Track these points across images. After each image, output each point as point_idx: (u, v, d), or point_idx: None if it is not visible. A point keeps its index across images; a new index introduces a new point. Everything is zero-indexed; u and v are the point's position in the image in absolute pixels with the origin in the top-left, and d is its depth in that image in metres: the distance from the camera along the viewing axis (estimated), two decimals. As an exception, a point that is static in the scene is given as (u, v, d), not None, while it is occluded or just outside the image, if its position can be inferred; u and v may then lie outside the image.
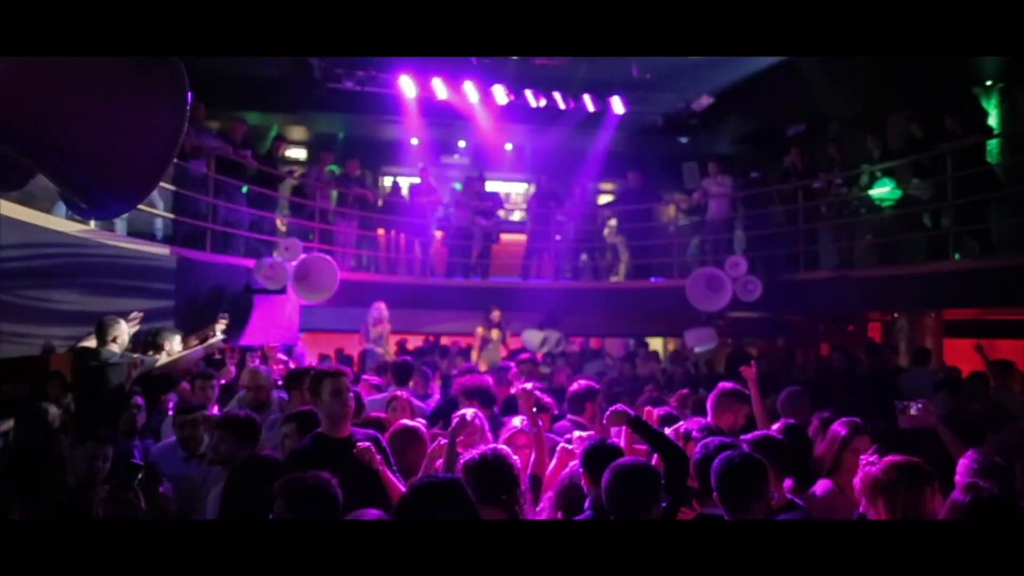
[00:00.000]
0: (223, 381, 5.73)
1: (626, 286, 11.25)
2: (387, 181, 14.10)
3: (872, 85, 9.63)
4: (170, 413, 4.85)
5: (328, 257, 8.55)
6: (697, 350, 9.75)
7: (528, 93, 11.50)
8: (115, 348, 4.93)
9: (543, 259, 11.95)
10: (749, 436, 3.49)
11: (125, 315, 5.26)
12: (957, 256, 7.46)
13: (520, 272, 11.91)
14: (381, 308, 8.90)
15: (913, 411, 3.73)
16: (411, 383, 6.00)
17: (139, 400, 4.33)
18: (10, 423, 4.68)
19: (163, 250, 7.25)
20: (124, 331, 5.06)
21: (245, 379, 4.92)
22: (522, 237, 12.41)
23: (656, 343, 13.11)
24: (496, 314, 9.92)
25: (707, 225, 10.50)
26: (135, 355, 5.13)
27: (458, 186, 11.92)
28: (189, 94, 2.41)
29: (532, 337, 10.24)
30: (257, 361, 6.26)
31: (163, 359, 5.28)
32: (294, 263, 7.99)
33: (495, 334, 9.97)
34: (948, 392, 5.25)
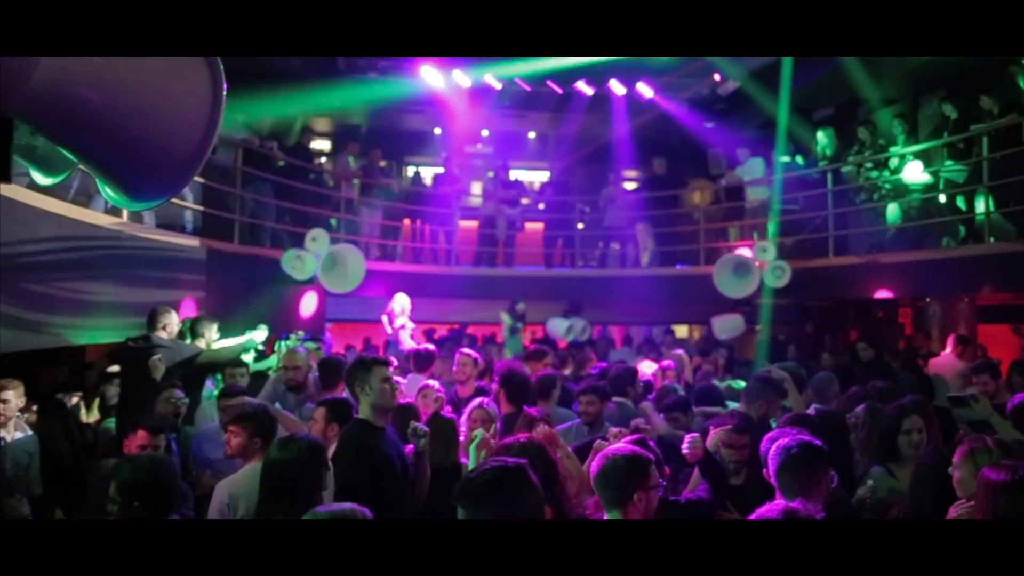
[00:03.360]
0: None
1: (651, 273, 11.19)
2: (410, 171, 14.12)
3: (904, 65, 9.44)
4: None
5: (355, 247, 8.59)
6: (724, 337, 9.67)
7: (550, 82, 11.43)
8: (164, 335, 5.03)
9: (562, 247, 11.90)
10: (784, 417, 3.45)
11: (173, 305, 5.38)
12: (992, 239, 7.30)
13: (544, 261, 11.89)
14: (402, 302, 8.85)
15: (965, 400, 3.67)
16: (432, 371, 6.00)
17: (179, 392, 4.35)
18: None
19: (193, 242, 7.34)
20: (174, 321, 5.19)
21: (284, 359, 4.95)
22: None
23: (682, 330, 13.04)
24: (521, 306, 9.93)
25: (747, 211, 10.41)
26: (181, 342, 5.22)
27: (492, 175, 11.90)
28: (225, 84, 2.43)
29: (557, 325, 10.22)
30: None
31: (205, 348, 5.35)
32: (322, 253, 8.04)
33: (519, 325, 9.99)
34: (990, 376, 5.13)
